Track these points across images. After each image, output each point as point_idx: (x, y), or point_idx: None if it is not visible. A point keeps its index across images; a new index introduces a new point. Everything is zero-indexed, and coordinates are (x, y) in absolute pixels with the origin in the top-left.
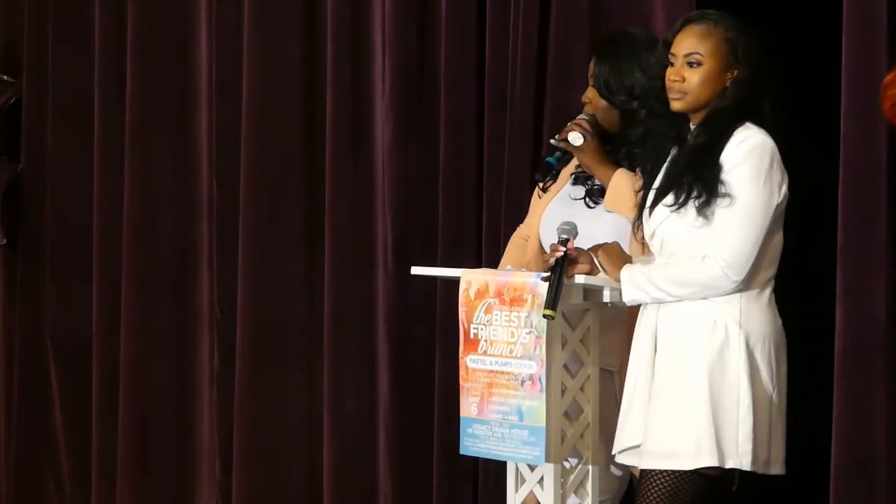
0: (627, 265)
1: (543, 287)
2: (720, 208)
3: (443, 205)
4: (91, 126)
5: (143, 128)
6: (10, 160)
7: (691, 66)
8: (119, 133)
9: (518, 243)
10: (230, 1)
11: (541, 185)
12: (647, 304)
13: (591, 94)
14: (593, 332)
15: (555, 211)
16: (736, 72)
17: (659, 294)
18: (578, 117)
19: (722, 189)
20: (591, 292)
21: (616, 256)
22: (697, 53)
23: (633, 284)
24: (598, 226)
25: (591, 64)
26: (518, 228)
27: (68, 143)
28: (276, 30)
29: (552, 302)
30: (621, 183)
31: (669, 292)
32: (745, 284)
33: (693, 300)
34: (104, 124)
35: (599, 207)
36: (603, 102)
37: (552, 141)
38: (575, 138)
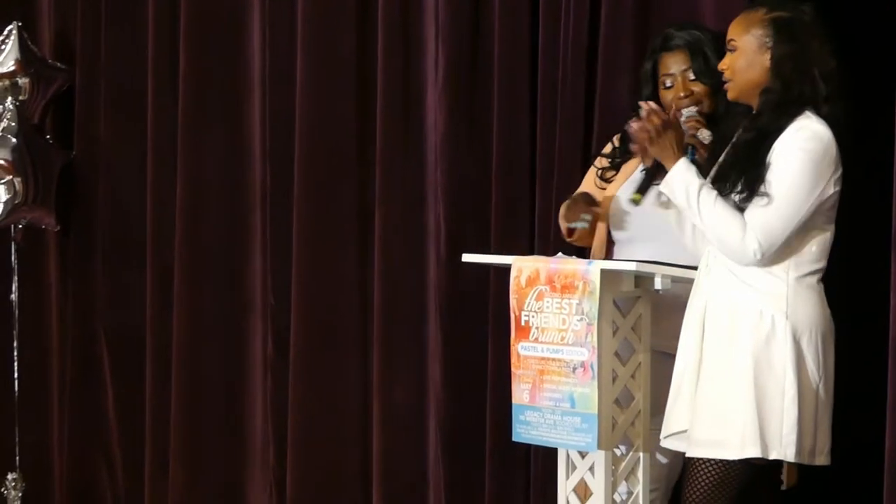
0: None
1: (594, 275)
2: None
3: (494, 193)
4: (144, 114)
5: (195, 116)
6: (64, 147)
7: (730, 52)
8: (172, 121)
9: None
10: None
11: (603, 176)
12: (697, 286)
13: (687, 87)
14: (644, 320)
15: (622, 201)
16: (774, 51)
17: (690, 208)
18: (687, 114)
19: (762, 189)
20: (642, 279)
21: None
22: (732, 39)
23: (681, 180)
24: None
25: (672, 61)
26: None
27: (121, 130)
28: (329, 19)
29: (644, 188)
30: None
31: (702, 216)
32: (793, 276)
33: (718, 256)
34: (157, 112)
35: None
36: (706, 90)
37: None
38: (706, 136)
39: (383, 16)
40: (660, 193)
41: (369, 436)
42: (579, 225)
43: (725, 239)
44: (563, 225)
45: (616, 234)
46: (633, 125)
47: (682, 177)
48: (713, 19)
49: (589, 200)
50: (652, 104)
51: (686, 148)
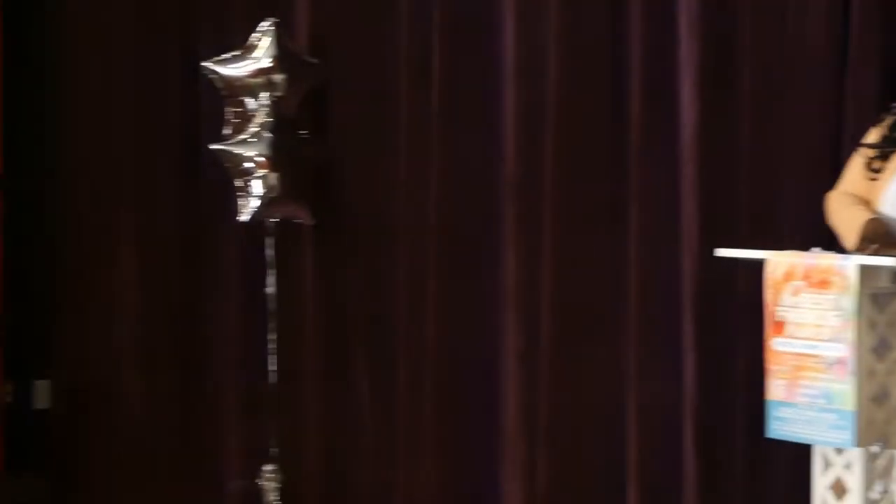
0: None
1: (851, 271)
2: None
3: (746, 187)
4: (397, 108)
5: (449, 109)
6: (319, 142)
7: None
8: (426, 115)
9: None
10: None
11: (870, 166)
12: None
13: None
14: None
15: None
16: None
17: None
18: None
19: None
20: None
21: None
22: None
23: None
24: None
25: None
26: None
27: (374, 125)
28: (582, 12)
29: None
30: None
31: None
32: None
33: None
34: (410, 106)
35: None
36: None
37: None
38: None
39: (636, 8)
40: None
41: (623, 429)
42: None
43: None
44: (851, 241)
45: None
46: None
47: None
48: None
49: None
50: None
51: None
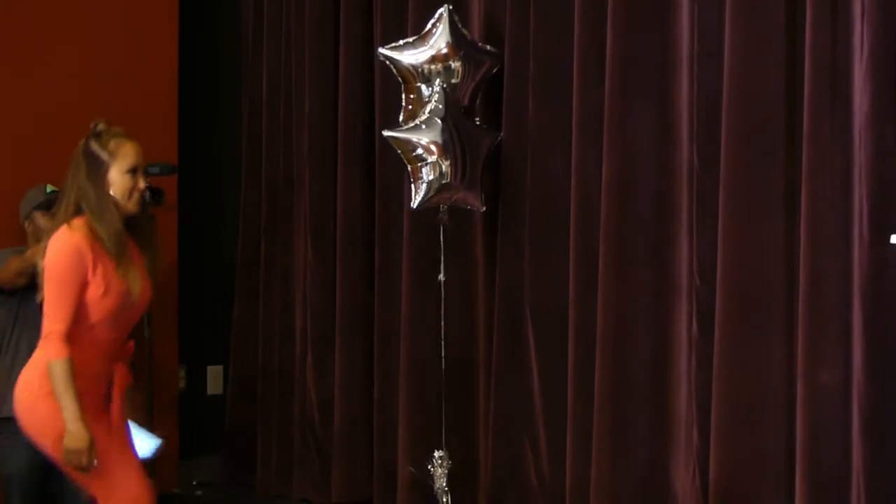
0: None
1: None
2: None
3: None
4: (570, 95)
5: (622, 95)
6: (493, 129)
7: None
8: (598, 101)
9: None
10: None
11: None
12: None
13: None
14: None
15: None
16: None
17: None
18: None
19: None
20: None
21: None
22: None
23: None
24: None
25: None
26: None
27: (548, 112)
28: None
29: None
30: None
31: None
32: None
33: None
34: (583, 92)
35: None
36: None
37: None
38: None
39: None
40: None
41: (793, 419)
42: None
43: None
44: None
45: None
46: None
47: None
48: None
49: None
50: None
51: None
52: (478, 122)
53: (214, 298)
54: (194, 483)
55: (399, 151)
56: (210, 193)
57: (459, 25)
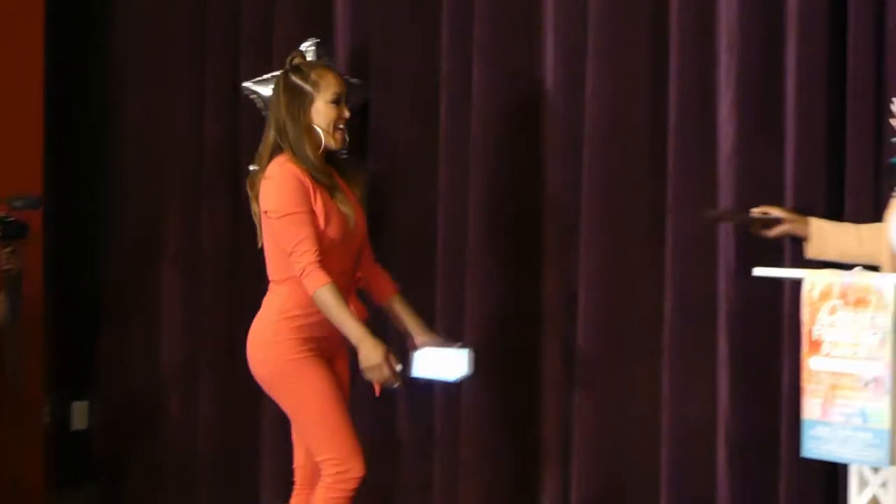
0: None
1: (888, 289)
2: None
3: (788, 204)
4: (437, 124)
5: (489, 125)
6: (359, 160)
7: None
8: (465, 130)
9: None
10: None
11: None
12: None
13: None
14: None
15: None
16: None
17: None
18: None
19: None
20: None
21: None
22: None
23: None
24: None
25: None
26: None
27: (415, 142)
28: (622, 30)
29: None
30: None
31: None
32: None
33: None
34: (450, 122)
35: None
36: None
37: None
38: None
39: (676, 24)
40: None
41: (657, 448)
42: None
43: None
44: None
45: None
46: None
47: None
48: None
49: None
50: None
51: None
52: (344, 154)
53: (81, 329)
54: None
55: None
56: (77, 225)
57: (326, 58)
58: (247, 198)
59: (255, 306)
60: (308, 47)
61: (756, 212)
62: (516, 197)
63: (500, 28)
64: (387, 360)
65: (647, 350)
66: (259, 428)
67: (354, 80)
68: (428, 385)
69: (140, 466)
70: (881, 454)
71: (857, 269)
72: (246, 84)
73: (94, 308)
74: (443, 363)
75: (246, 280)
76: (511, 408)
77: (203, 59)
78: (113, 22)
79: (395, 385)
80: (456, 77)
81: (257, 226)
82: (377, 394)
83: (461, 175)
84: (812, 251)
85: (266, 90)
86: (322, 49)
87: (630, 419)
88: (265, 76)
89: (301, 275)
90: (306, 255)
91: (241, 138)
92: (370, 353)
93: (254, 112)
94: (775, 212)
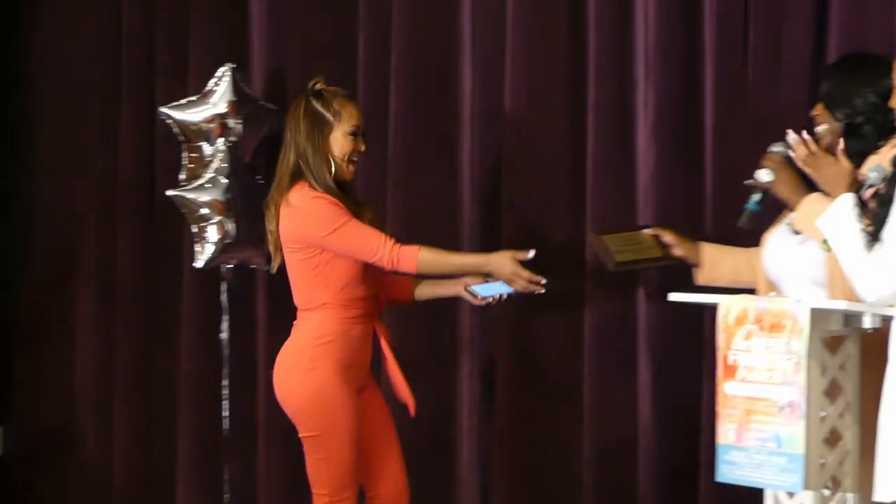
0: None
1: (803, 314)
2: None
3: (708, 232)
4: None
5: (406, 154)
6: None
7: None
8: (381, 159)
9: None
10: (492, 26)
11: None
12: None
13: (818, 108)
14: (853, 359)
15: (773, 243)
16: None
17: (845, 237)
18: (768, 151)
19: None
20: (851, 318)
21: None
22: None
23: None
24: (805, 252)
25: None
26: None
27: None
28: (539, 56)
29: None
30: (809, 205)
31: (854, 248)
32: None
33: None
34: (368, 150)
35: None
36: (827, 115)
37: (746, 182)
38: (763, 175)
39: (594, 52)
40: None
41: (579, 474)
42: (758, 175)
43: (859, 269)
44: None
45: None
46: None
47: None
48: None
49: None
50: None
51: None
52: (260, 181)
53: None
54: None
55: (184, 210)
56: None
57: (242, 84)
58: (164, 224)
59: (170, 334)
60: (224, 72)
61: (648, 232)
62: (431, 228)
63: (416, 58)
64: (518, 266)
65: (569, 377)
66: (175, 459)
67: (270, 106)
68: None
69: (54, 494)
70: (795, 479)
71: (771, 294)
72: (163, 109)
73: (9, 335)
74: (494, 286)
75: (162, 309)
76: (427, 436)
77: (118, 83)
78: (27, 49)
79: (542, 287)
80: (370, 104)
81: (270, 245)
82: (412, 414)
83: (379, 203)
84: (702, 278)
85: (182, 115)
86: (238, 74)
87: (550, 448)
88: (183, 101)
89: (394, 265)
90: (382, 246)
91: (156, 164)
92: (501, 268)
93: (170, 137)
94: (667, 236)
